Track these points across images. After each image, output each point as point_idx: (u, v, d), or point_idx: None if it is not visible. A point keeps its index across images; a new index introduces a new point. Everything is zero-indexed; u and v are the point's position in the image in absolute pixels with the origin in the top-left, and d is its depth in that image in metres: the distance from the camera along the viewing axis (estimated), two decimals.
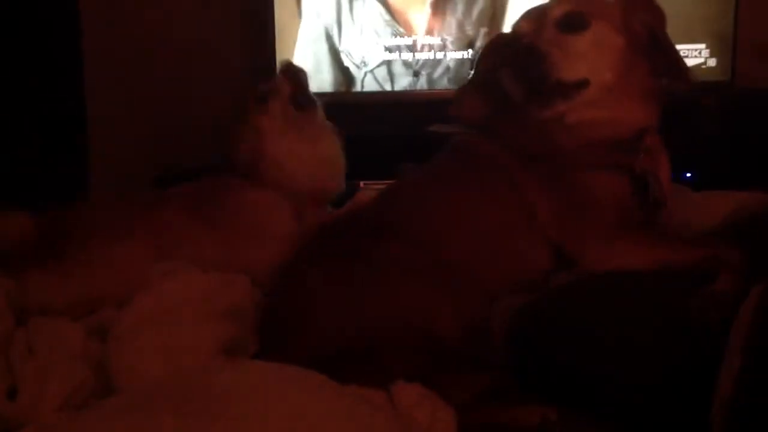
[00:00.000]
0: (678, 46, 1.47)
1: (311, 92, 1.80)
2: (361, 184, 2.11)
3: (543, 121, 1.39)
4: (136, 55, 2.62)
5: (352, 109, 2.41)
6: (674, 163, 1.48)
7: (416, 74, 2.48)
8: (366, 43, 2.48)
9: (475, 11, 2.43)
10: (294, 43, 2.46)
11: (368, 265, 1.30)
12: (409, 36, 2.47)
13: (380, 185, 1.78)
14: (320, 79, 2.46)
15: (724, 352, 1.02)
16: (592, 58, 1.37)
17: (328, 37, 2.47)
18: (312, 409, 0.98)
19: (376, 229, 1.38)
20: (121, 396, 1.18)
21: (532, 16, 1.43)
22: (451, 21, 2.45)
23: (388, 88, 2.50)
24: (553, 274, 1.36)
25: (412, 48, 2.47)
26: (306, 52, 2.48)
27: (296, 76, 1.76)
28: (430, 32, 2.47)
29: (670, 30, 1.44)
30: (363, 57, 2.48)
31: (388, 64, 2.48)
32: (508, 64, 1.40)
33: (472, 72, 1.57)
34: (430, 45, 2.47)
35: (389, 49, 2.47)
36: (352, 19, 2.46)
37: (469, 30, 2.44)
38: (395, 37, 2.47)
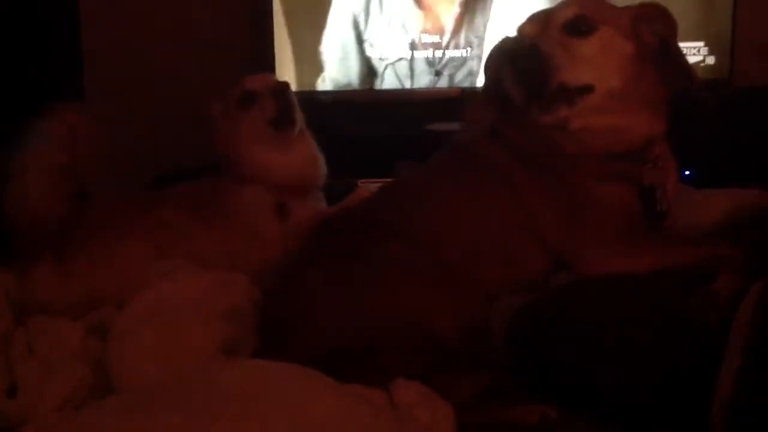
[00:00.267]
0: None
1: (296, 111, 1.76)
2: (359, 182, 2.10)
3: (546, 126, 1.36)
4: (135, 55, 2.62)
5: (353, 108, 2.42)
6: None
7: (438, 73, 2.45)
8: (390, 36, 2.43)
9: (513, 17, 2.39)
10: (294, 42, 2.46)
11: (368, 264, 1.30)
12: (436, 33, 2.43)
13: (378, 183, 1.77)
14: (346, 67, 2.44)
15: (723, 352, 1.02)
16: (597, 63, 1.33)
17: (355, 25, 2.43)
18: (312, 409, 0.98)
19: (376, 228, 1.38)
20: (121, 396, 1.18)
21: (537, 19, 1.40)
22: (480, 22, 2.42)
23: (407, 84, 2.46)
24: (553, 274, 1.36)
25: (436, 46, 2.44)
26: (333, 38, 2.44)
27: (284, 97, 1.74)
28: (457, 31, 2.43)
29: None
30: (386, 49, 2.44)
31: (410, 59, 2.44)
32: (509, 63, 1.37)
33: (484, 79, 1.52)
34: (455, 44, 2.44)
35: (413, 45, 2.44)
36: (381, 9, 2.42)
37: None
38: (421, 32, 2.43)
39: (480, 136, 1.48)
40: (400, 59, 2.45)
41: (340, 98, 2.47)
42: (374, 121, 2.47)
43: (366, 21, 2.43)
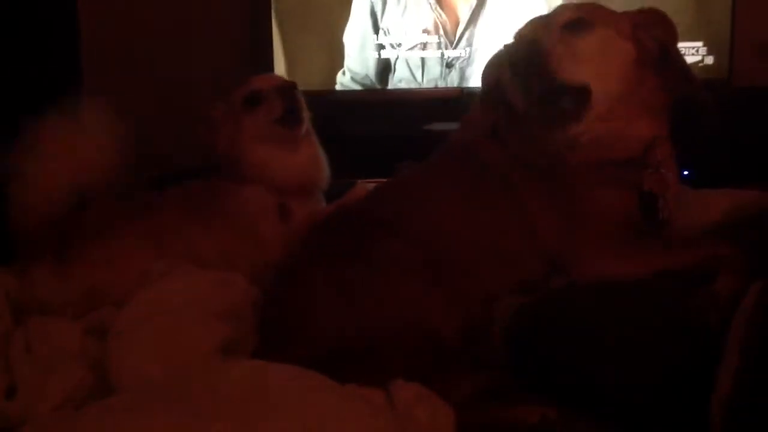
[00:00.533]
0: None
1: (303, 110, 1.76)
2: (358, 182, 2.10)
3: (546, 133, 1.36)
4: (135, 55, 2.62)
5: (353, 108, 2.42)
6: None
7: (449, 66, 2.44)
8: (405, 25, 2.43)
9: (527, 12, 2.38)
10: (293, 43, 2.46)
11: (368, 265, 1.30)
12: (450, 25, 2.42)
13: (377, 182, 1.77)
14: (363, 58, 2.44)
15: (723, 352, 1.02)
16: (597, 62, 1.33)
17: (372, 13, 2.43)
18: (312, 409, 0.99)
19: (375, 228, 1.38)
20: (120, 395, 1.18)
21: (537, 21, 1.41)
22: (493, 18, 2.40)
23: (419, 76, 2.45)
24: (553, 275, 1.36)
25: (449, 38, 2.42)
26: (353, 27, 2.43)
27: (291, 96, 1.74)
28: (472, 24, 2.41)
29: None
30: (400, 38, 2.44)
31: (422, 49, 2.43)
32: (509, 65, 1.38)
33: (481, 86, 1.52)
34: (468, 37, 2.42)
35: (427, 33, 2.42)
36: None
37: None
38: (436, 24, 2.42)
39: (480, 137, 1.48)
40: (414, 47, 2.44)
41: (341, 98, 2.47)
42: (374, 121, 2.47)
43: (383, 9, 2.43)
